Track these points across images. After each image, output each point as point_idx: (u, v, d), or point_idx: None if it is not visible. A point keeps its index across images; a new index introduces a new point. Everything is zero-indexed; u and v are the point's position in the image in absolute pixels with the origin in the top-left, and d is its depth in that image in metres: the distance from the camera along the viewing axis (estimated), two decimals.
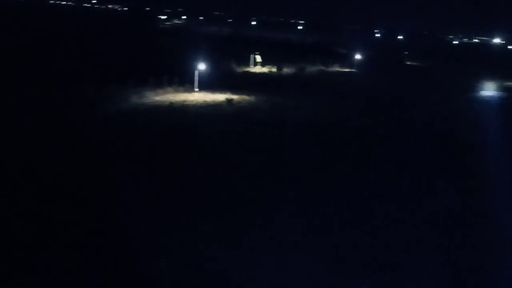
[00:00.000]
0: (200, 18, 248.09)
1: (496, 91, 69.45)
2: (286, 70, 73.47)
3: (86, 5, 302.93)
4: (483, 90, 68.19)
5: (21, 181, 21.90)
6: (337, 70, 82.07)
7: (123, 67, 57.90)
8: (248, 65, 75.43)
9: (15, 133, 29.23)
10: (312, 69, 77.42)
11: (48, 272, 14.89)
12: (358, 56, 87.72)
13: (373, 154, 30.63)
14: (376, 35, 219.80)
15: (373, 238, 18.72)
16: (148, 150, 28.22)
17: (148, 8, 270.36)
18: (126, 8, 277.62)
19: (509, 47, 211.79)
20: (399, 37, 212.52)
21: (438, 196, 23.78)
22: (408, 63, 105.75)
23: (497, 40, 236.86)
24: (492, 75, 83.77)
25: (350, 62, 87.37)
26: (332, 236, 18.64)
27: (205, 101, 44.98)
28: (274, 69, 73.41)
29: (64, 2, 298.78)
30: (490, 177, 25.36)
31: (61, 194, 20.78)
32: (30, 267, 15.19)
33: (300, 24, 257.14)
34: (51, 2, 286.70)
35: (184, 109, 40.93)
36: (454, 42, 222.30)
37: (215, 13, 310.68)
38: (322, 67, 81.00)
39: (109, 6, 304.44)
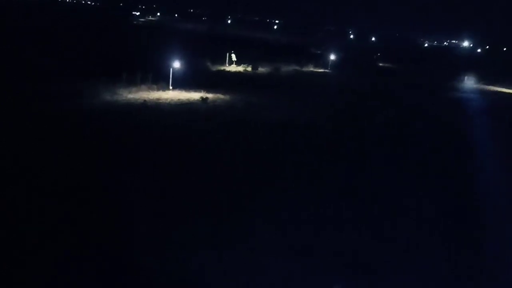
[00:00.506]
0: (175, 15, 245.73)
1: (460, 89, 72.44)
2: (261, 69, 73.70)
3: None
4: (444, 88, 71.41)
5: None
6: (311, 70, 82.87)
7: (95, 63, 56.85)
8: (223, 63, 75.28)
9: None
10: (287, 69, 77.94)
11: None
12: (332, 57, 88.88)
13: (336, 151, 31.27)
14: (350, 36, 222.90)
15: None
16: (114, 148, 27.76)
17: (121, 4, 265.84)
18: (99, 4, 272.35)
19: (478, 50, 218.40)
20: (372, 39, 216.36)
21: None
22: (380, 64, 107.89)
23: (466, 44, 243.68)
24: (459, 76, 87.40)
25: (324, 63, 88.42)
26: None
27: (179, 99, 44.62)
28: (249, 68, 73.51)
29: None
30: None
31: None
32: None
33: (276, 24, 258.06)
34: None
35: (157, 107, 40.48)
36: (425, 45, 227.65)
37: (190, 10, 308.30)
38: (297, 67, 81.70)
39: (82, 1, 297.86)
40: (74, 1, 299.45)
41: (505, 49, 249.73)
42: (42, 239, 16.64)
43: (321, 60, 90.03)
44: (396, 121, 43.53)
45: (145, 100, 42.10)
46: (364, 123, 41.48)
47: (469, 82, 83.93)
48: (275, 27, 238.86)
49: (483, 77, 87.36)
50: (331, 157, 30.15)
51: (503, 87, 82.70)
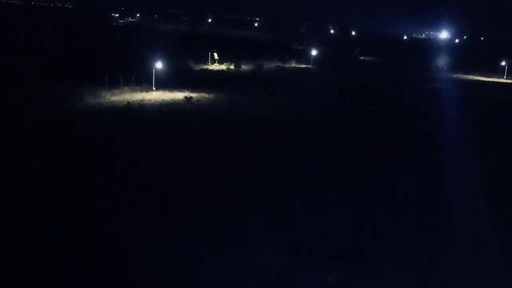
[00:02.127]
0: (155, 16, 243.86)
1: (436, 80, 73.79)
2: (244, 67, 73.77)
3: (33, 3, 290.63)
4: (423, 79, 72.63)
5: None
6: (294, 66, 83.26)
7: (77, 66, 56.22)
8: (206, 62, 75.12)
9: None
10: (269, 65, 78.16)
11: None
12: (314, 52, 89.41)
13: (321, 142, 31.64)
14: (331, 31, 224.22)
15: None
16: (98, 151, 27.57)
17: (99, 6, 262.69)
18: (76, 6, 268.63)
19: (456, 41, 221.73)
20: (352, 33, 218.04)
21: None
22: (361, 58, 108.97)
23: (444, 35, 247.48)
24: (437, 66, 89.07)
25: (307, 58, 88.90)
26: None
27: (163, 99, 44.42)
28: (232, 67, 73.52)
29: (11, 1, 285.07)
30: None
31: None
32: None
33: (256, 21, 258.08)
34: None
35: (141, 109, 40.25)
36: (404, 37, 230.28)
37: (170, 10, 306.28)
38: (279, 64, 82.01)
39: (59, 4, 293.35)
40: (51, 5, 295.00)
41: (482, 38, 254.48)
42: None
43: (303, 56, 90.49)
44: (377, 113, 44.17)
45: (128, 102, 41.81)
46: (347, 116, 41.99)
47: (448, 72, 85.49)
48: (256, 24, 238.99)
49: (462, 67, 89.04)
50: (318, 150, 30.46)
51: (481, 76, 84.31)
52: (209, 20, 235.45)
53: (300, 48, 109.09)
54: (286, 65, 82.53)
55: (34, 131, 30.48)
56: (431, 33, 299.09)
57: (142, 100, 43.39)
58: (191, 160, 26.92)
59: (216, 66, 74.23)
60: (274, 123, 37.66)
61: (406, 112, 46.07)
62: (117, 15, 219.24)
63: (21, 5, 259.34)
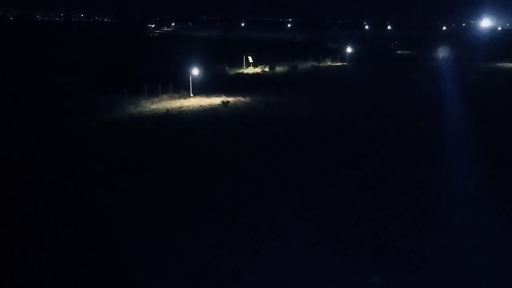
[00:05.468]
0: (189, 23, 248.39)
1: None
2: (279, 69, 73.83)
3: (73, 19, 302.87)
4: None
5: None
6: (329, 65, 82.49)
7: (117, 77, 58.08)
8: (240, 66, 75.76)
9: (26, 139, 29.61)
10: (304, 65, 77.85)
11: None
12: (349, 50, 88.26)
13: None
14: (366, 27, 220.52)
15: None
16: (146, 159, 28.43)
17: (136, 18, 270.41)
18: (114, 20, 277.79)
19: (499, 29, 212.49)
20: (388, 27, 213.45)
21: None
22: (399, 52, 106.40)
23: (485, 23, 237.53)
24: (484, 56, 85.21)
25: (342, 56, 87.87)
26: None
27: (201, 105, 45.21)
28: (266, 69, 73.74)
29: (52, 19, 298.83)
30: None
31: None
32: None
33: (289, 23, 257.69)
34: (39, 18, 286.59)
35: (181, 115, 41.16)
36: (443, 28, 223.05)
37: (203, 17, 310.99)
38: (314, 63, 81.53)
39: (98, 19, 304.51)
40: (91, 20, 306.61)
41: None
42: None
43: (338, 54, 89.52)
44: (421, 109, 42.87)
45: (168, 109, 42.85)
46: (390, 113, 41.11)
47: (491, 62, 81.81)
48: (289, 25, 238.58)
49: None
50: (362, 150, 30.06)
51: None
52: (242, 24, 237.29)
53: (335, 46, 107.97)
54: (321, 64, 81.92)
55: (88, 138, 31.81)
56: (472, 22, 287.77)
57: (180, 107, 44.34)
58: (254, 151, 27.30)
59: (251, 70, 74.71)
60: (312, 124, 37.44)
61: (452, 107, 44.57)
62: (153, 25, 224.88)
63: (62, 22, 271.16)
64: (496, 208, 20.57)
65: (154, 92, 48.08)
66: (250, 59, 77.57)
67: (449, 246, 17.45)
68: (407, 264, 16.30)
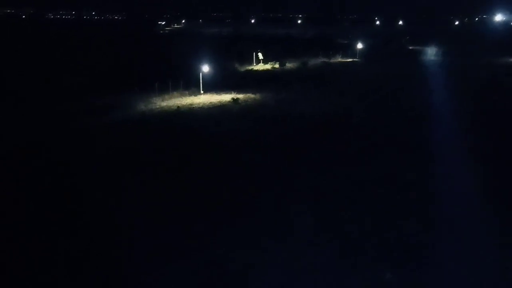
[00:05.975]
0: (200, 20, 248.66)
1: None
2: (289, 65, 73.67)
3: (85, 17, 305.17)
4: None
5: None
6: (339, 61, 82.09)
7: (127, 75, 58.53)
8: (250, 63, 75.76)
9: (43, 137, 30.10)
10: (314, 61, 77.60)
11: None
12: (359, 45, 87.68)
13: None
14: (376, 23, 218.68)
15: None
16: (157, 156, 28.63)
17: (146, 16, 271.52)
18: (125, 18, 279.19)
19: None
20: (399, 23, 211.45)
21: None
22: (410, 47, 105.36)
23: (499, 17, 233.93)
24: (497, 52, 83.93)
25: (352, 52, 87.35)
26: None
27: (211, 102, 45.35)
28: (276, 65, 73.65)
29: (64, 17, 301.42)
30: None
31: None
32: None
33: (299, 19, 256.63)
34: (51, 17, 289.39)
35: (191, 112, 41.34)
36: (455, 23, 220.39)
37: (214, 14, 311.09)
38: (325, 59, 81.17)
39: (109, 17, 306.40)
40: (102, 18, 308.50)
41: None
42: None
43: (348, 50, 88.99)
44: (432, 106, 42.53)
45: (178, 106, 43.07)
46: (399, 109, 40.92)
47: (505, 57, 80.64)
48: (299, 21, 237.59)
49: None
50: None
51: None
52: (252, 21, 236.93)
53: (345, 42, 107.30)
54: (332, 60, 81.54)
55: (98, 136, 32.16)
56: (485, 16, 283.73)
57: (191, 104, 44.53)
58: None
59: (261, 66, 74.67)
60: (323, 121, 37.34)
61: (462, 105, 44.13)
62: (163, 22, 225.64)
63: (73, 20, 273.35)
64: None
65: (165, 89, 48.33)
66: (260, 56, 77.52)
67: None
68: None
